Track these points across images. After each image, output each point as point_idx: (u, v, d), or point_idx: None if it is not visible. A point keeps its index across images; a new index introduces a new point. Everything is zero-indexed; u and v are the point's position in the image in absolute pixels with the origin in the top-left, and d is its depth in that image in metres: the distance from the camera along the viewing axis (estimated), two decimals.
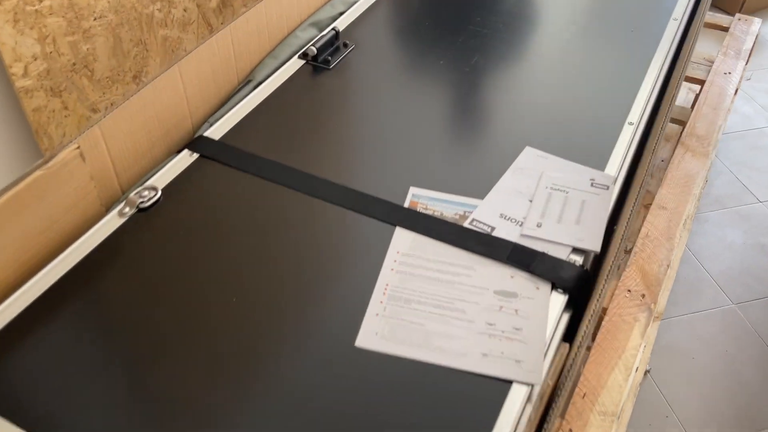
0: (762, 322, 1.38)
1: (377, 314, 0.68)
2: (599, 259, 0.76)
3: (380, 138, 0.90)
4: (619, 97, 0.97)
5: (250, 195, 0.82)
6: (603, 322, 0.97)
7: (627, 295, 1.03)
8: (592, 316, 0.62)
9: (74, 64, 1.32)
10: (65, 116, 1.35)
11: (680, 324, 1.37)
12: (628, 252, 1.10)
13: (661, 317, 1.13)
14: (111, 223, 0.78)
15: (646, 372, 1.32)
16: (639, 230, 1.12)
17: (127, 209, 0.79)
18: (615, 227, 0.82)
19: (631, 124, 0.92)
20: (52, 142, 1.34)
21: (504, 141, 0.90)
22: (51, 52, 1.23)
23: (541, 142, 0.89)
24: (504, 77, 1.01)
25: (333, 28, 1.06)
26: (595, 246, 0.75)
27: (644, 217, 1.15)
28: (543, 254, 0.74)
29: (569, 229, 0.77)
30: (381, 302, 0.69)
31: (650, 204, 1.17)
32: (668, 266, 1.07)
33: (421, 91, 0.98)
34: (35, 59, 1.23)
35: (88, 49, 1.29)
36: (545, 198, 0.81)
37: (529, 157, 0.87)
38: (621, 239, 0.79)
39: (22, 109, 1.28)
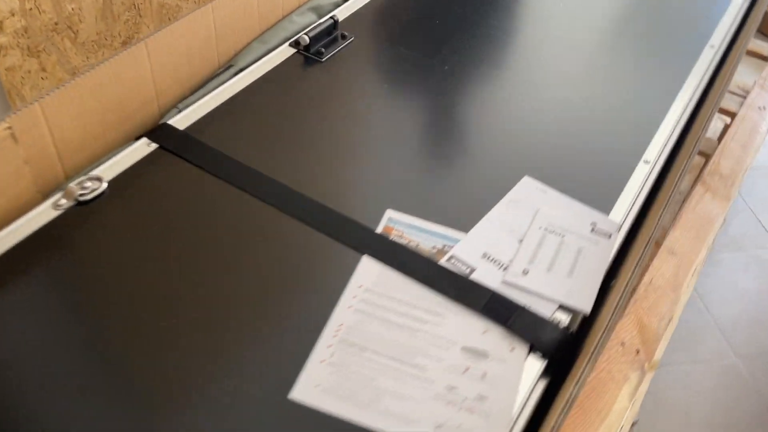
0: (766, 379, 1.28)
1: (323, 360, 0.59)
2: (589, 321, 0.66)
3: (363, 148, 0.80)
4: (637, 129, 0.86)
5: (206, 200, 0.73)
6: (588, 378, 0.88)
7: (620, 349, 0.93)
8: (568, 401, 0.53)
9: (56, 23, 1.22)
10: (42, 78, 1.24)
11: (675, 373, 1.28)
12: (628, 297, 1.00)
13: (655, 368, 1.04)
14: (42, 215, 0.69)
15: (633, 425, 1.23)
16: (643, 275, 1.02)
17: (63, 201, 0.70)
18: (613, 283, 0.72)
19: (647, 162, 0.82)
20: (25, 103, 1.24)
21: (501, 166, 0.80)
22: (31, 9, 1.13)
23: (541, 171, 0.79)
24: (511, 92, 0.91)
25: (332, 17, 0.96)
26: (585, 306, 0.65)
27: (652, 257, 1.05)
28: (523, 309, 0.64)
29: (559, 282, 0.67)
30: (330, 346, 0.60)
31: (661, 243, 1.07)
32: (670, 320, 0.97)
33: (416, 99, 0.88)
34: (13, 15, 1.13)
35: (73, 8, 1.19)
36: (537, 240, 0.71)
37: (527, 188, 0.77)
38: (618, 299, 0.69)
39: None
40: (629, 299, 0.79)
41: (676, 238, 1.08)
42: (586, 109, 0.88)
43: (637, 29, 1.04)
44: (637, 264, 0.73)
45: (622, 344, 0.93)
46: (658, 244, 1.09)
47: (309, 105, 0.86)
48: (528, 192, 0.76)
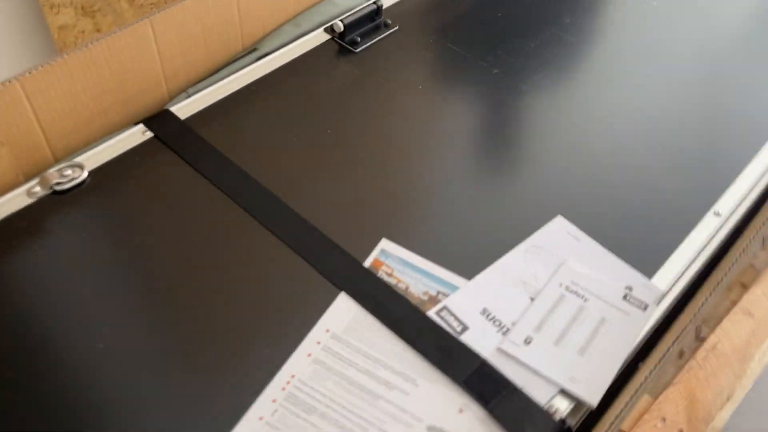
0: None
1: (261, 418, 0.51)
2: (597, 413, 0.54)
3: (375, 159, 0.70)
4: (713, 171, 0.70)
5: (188, 203, 0.66)
6: None
7: (659, 426, 0.79)
8: None
9: None
10: (97, 39, 1.21)
11: None
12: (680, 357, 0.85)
13: None
14: (13, 202, 0.64)
15: None
16: (708, 335, 0.86)
17: (38, 189, 0.65)
18: (640, 364, 0.59)
19: (717, 215, 0.67)
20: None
21: (532, 200, 0.67)
22: None
23: (579, 213, 0.66)
24: (565, 110, 0.77)
25: (375, 2, 0.85)
26: (592, 396, 0.53)
27: (725, 313, 0.89)
28: (514, 389, 0.53)
29: (567, 359, 0.55)
30: (274, 401, 0.52)
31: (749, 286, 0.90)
32: (729, 399, 0.82)
33: (452, 108, 0.77)
34: None
35: None
36: (553, 300, 0.59)
37: (557, 231, 0.64)
38: (635, 392, 0.56)
39: (46, 25, 1.17)
40: (660, 387, 0.65)
41: (756, 296, 0.90)
42: (652, 139, 0.73)
43: (748, 47, 0.86)
44: (671, 346, 0.60)
45: (663, 420, 0.79)
46: (744, 286, 0.92)
47: (329, 103, 0.76)
48: (557, 236, 0.64)
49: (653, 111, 0.77)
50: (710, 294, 0.63)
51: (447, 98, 0.78)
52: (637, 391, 0.55)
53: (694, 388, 0.81)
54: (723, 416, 0.82)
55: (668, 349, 0.59)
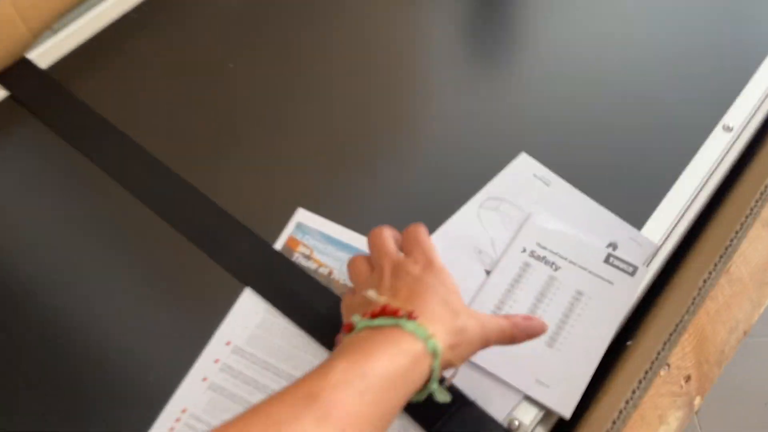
0: None
1: None
2: (572, 421, 0.43)
3: (288, 105, 0.55)
4: (717, 77, 0.54)
5: (55, 185, 0.52)
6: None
7: (662, 374, 0.68)
8: None
9: None
10: None
11: (761, 346, 1.00)
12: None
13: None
14: None
15: None
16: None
17: None
18: (629, 342, 0.47)
19: (728, 129, 0.52)
20: None
21: (489, 134, 0.53)
22: None
23: (549, 145, 0.51)
24: (535, 11, 0.60)
25: None
26: (564, 405, 0.41)
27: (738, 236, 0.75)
28: (465, 402, 0.41)
29: (531, 355, 0.43)
30: None
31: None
32: (745, 333, 0.70)
33: (387, 25, 0.60)
34: None
35: None
36: (515, 273, 0.46)
37: (520, 174, 0.50)
38: (634, 390, 0.45)
39: None
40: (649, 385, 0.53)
41: None
42: (644, 45, 0.57)
43: None
44: (679, 323, 0.47)
45: (667, 366, 0.68)
46: None
47: (234, 27, 0.60)
48: (521, 181, 0.50)
49: (643, 12, 0.60)
50: (735, 235, 0.49)
51: (384, 13, 0.61)
52: (634, 393, 0.43)
53: (704, 325, 0.68)
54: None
55: (674, 330, 0.47)
